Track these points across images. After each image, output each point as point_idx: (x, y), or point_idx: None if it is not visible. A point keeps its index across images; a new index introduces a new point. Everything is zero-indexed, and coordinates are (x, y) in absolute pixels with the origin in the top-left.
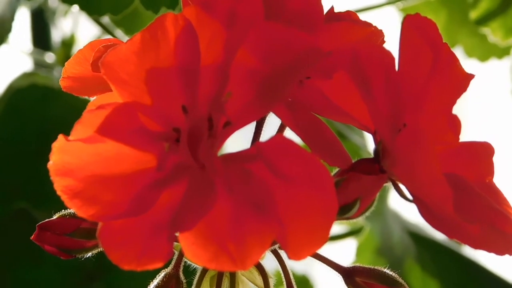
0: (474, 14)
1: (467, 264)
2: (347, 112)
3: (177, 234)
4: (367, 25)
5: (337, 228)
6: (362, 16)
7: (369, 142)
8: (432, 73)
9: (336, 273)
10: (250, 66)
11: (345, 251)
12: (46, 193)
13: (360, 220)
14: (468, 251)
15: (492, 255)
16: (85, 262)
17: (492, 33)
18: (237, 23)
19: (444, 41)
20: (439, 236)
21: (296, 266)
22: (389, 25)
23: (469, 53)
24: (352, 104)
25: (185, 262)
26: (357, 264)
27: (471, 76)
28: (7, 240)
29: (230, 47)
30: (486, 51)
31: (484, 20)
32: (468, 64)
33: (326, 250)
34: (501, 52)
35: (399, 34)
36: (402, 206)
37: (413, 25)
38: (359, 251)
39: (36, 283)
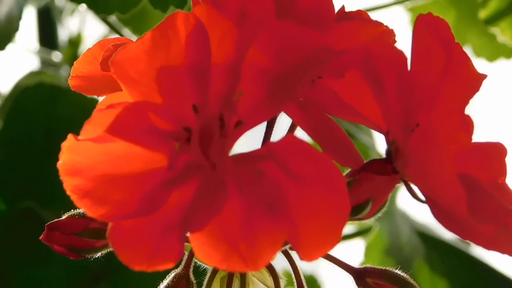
0: (483, 14)
1: (475, 264)
2: (359, 111)
3: (187, 234)
4: (378, 24)
5: (345, 228)
6: (370, 16)
7: (378, 142)
8: (445, 72)
9: (346, 273)
10: (261, 65)
11: (352, 251)
12: (52, 192)
13: (368, 220)
14: (477, 251)
15: (503, 255)
16: (91, 263)
17: (501, 33)
18: (248, 22)
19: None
20: (447, 236)
21: (303, 266)
22: (397, 24)
23: (478, 53)
24: (364, 104)
25: (195, 262)
26: (368, 265)
27: (483, 76)
28: (13, 239)
29: (241, 46)
30: (495, 51)
31: (493, 19)
32: (476, 64)
33: (333, 250)
34: (509, 52)
35: (412, 33)
36: (410, 206)
37: (425, 25)
38: (368, 251)
39: (42, 283)
